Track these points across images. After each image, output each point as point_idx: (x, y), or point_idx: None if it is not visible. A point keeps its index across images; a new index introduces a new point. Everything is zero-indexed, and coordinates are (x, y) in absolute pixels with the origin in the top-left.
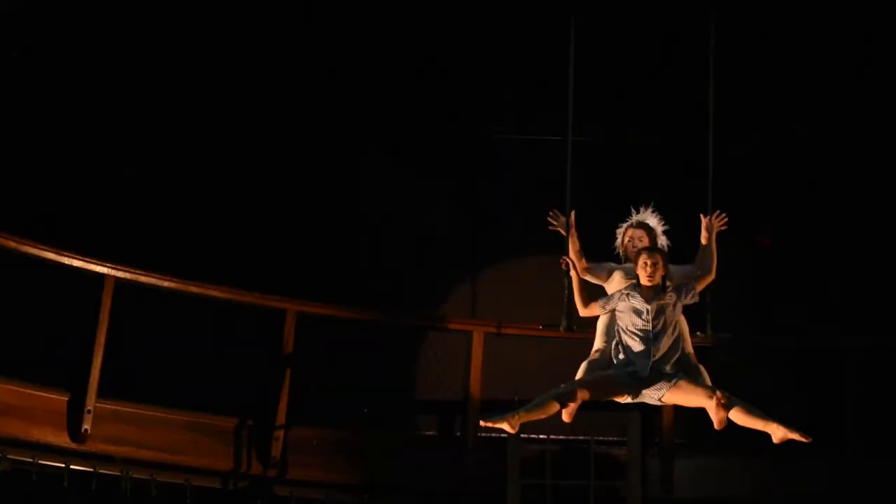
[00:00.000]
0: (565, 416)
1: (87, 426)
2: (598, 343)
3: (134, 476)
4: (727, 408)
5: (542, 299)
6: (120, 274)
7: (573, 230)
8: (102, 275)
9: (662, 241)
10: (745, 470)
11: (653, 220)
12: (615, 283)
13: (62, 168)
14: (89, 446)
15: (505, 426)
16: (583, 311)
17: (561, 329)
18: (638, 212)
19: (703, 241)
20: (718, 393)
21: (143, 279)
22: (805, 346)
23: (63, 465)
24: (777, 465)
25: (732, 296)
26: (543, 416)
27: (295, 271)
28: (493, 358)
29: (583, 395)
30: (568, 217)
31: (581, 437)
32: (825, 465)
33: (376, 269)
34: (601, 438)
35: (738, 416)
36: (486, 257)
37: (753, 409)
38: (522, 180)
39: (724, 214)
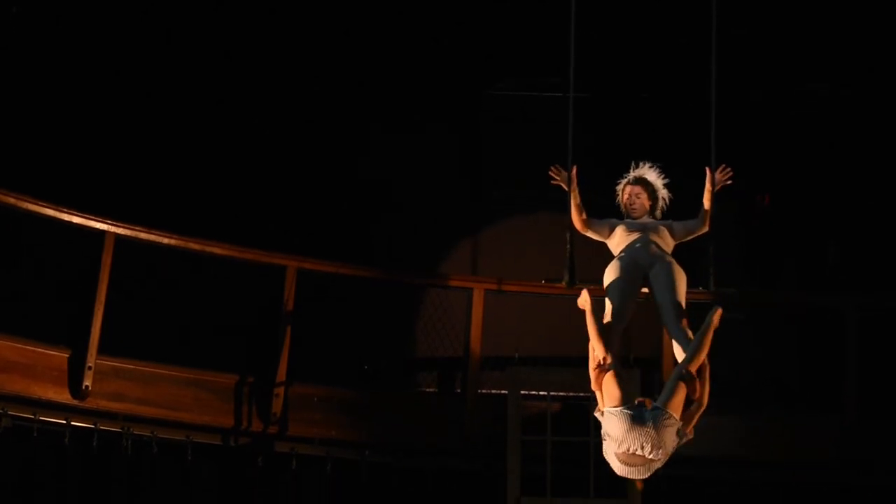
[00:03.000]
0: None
1: (87, 383)
2: (612, 299)
3: (135, 433)
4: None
5: (544, 257)
6: (120, 231)
7: (574, 184)
8: (103, 232)
9: (663, 194)
10: (743, 429)
11: (651, 175)
12: (617, 237)
13: (62, 124)
14: (90, 403)
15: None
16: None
17: (563, 284)
18: (637, 167)
19: (707, 194)
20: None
21: (143, 236)
22: (805, 302)
23: (64, 422)
24: (775, 424)
25: (731, 255)
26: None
27: (296, 229)
28: (493, 315)
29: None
30: (569, 172)
31: (581, 394)
32: (823, 425)
33: (377, 227)
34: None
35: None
36: (487, 215)
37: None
38: (523, 138)
39: (728, 168)
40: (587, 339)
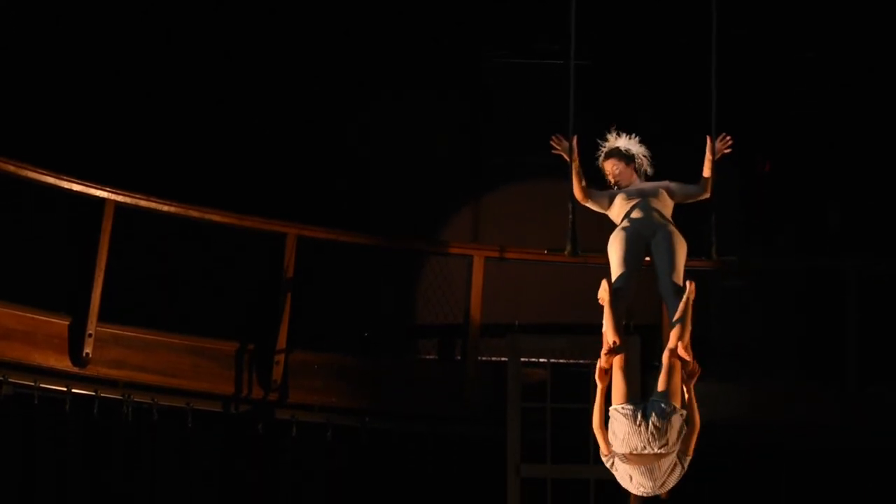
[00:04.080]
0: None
1: (88, 350)
2: (616, 273)
3: (135, 400)
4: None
5: (545, 224)
6: (120, 198)
7: (575, 155)
8: (102, 199)
9: (639, 152)
10: (743, 394)
11: (620, 142)
12: (617, 206)
13: (62, 92)
14: (90, 370)
15: None
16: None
17: (565, 253)
18: (604, 142)
19: (707, 163)
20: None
21: (143, 203)
22: (807, 269)
23: (65, 389)
24: (776, 389)
25: (731, 221)
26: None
27: (296, 196)
28: (493, 282)
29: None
30: (570, 142)
31: (581, 361)
32: (825, 390)
33: (378, 195)
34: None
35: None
36: (488, 183)
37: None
38: (523, 105)
39: (728, 137)
40: (587, 307)
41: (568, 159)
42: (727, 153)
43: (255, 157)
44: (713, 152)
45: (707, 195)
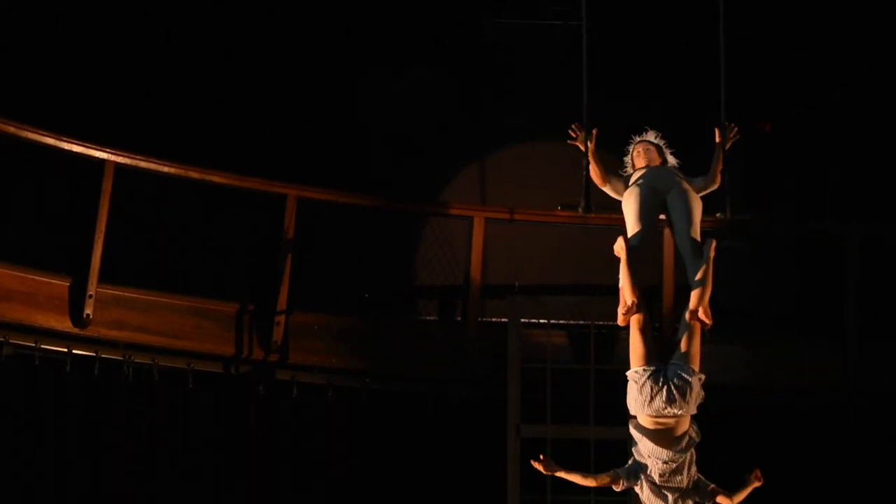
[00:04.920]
0: (622, 321)
1: (88, 311)
2: (633, 229)
3: (136, 361)
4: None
5: (548, 186)
6: (120, 159)
7: (591, 143)
8: (102, 160)
9: (669, 154)
10: (746, 356)
11: (655, 136)
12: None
13: (62, 53)
14: (91, 331)
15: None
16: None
17: (579, 210)
18: (643, 133)
19: (718, 152)
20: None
21: (142, 164)
22: (807, 229)
23: (65, 350)
24: (779, 350)
25: (731, 182)
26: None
27: (297, 158)
28: (494, 244)
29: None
30: (587, 136)
31: (581, 322)
32: (825, 351)
33: (379, 157)
34: (601, 323)
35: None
36: (490, 145)
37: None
38: (525, 67)
39: (734, 126)
40: (587, 268)
41: (583, 150)
42: (736, 140)
43: (256, 119)
44: (724, 142)
45: (716, 185)
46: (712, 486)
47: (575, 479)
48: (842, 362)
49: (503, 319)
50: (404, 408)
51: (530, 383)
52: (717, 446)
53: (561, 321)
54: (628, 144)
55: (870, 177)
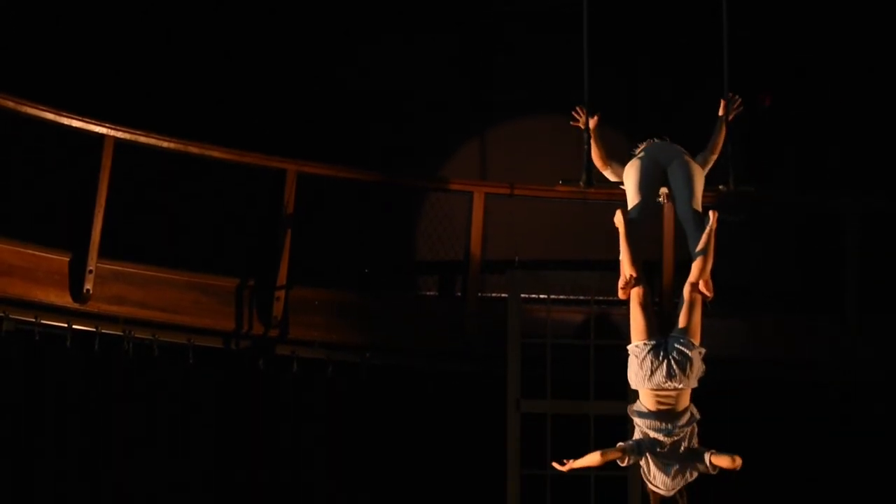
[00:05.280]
0: (622, 295)
1: (88, 286)
2: (633, 201)
3: (136, 336)
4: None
5: (549, 160)
6: (119, 134)
7: (594, 126)
8: (102, 135)
9: None
10: (745, 330)
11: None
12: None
13: (61, 27)
14: (91, 306)
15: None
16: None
17: (580, 184)
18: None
19: (721, 125)
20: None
21: (142, 139)
22: (807, 203)
23: (65, 326)
24: (778, 325)
25: (734, 154)
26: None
27: (296, 133)
28: (495, 219)
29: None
30: (590, 117)
31: (581, 297)
32: (824, 325)
33: (380, 132)
34: (601, 298)
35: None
36: (491, 120)
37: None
38: (528, 40)
39: (738, 98)
40: (587, 243)
41: (585, 135)
42: (739, 111)
43: (255, 93)
44: (727, 114)
45: (715, 156)
46: (709, 452)
47: (588, 462)
48: (841, 337)
49: (503, 295)
50: (404, 383)
51: (530, 358)
52: (716, 421)
53: (561, 296)
54: (629, 121)
55: (871, 150)
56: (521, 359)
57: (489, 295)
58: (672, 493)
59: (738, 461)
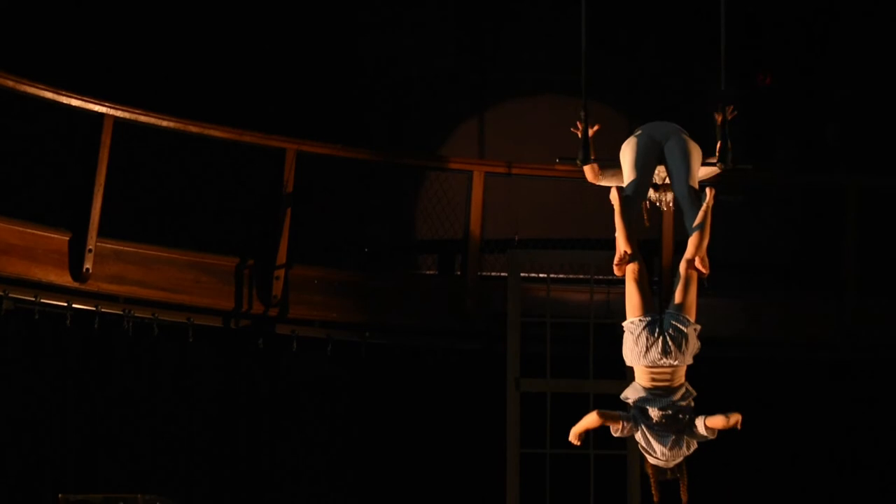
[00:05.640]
0: (618, 272)
1: (88, 265)
2: (629, 178)
3: (136, 315)
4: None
5: (548, 139)
6: (119, 113)
7: (590, 139)
8: (101, 114)
9: None
10: (743, 309)
11: None
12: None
13: (61, 5)
14: (91, 286)
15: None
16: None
17: (577, 163)
18: None
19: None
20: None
21: (142, 119)
22: (806, 181)
23: (65, 305)
24: (775, 304)
25: (731, 135)
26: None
27: (296, 112)
28: (494, 198)
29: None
30: (586, 134)
31: (581, 276)
32: (823, 304)
33: (379, 111)
34: (600, 277)
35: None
36: (491, 99)
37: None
38: (525, 19)
39: (733, 107)
40: (586, 222)
41: (582, 137)
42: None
43: (254, 72)
44: (724, 123)
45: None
46: (702, 417)
47: (587, 424)
48: (839, 316)
49: (503, 274)
50: (403, 362)
51: (530, 337)
52: (713, 400)
53: (560, 275)
54: (630, 102)
55: (869, 129)
56: (521, 338)
57: (489, 274)
58: (671, 464)
59: (734, 418)
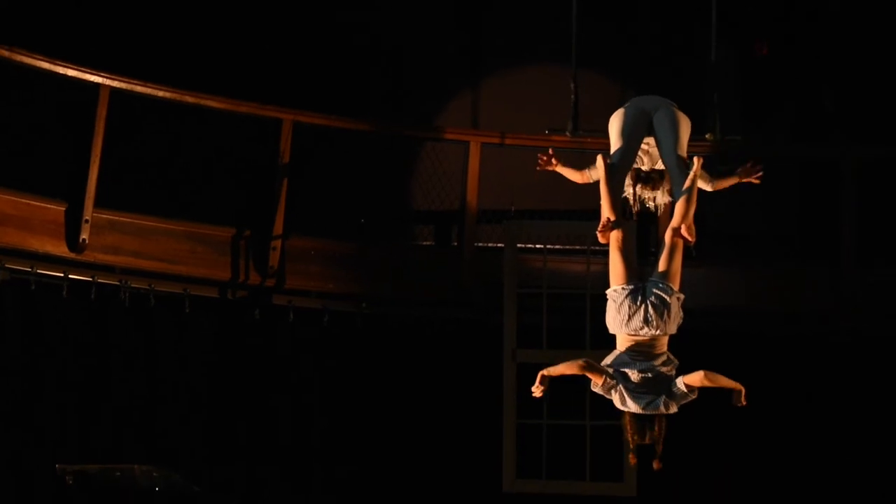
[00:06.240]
0: (602, 238)
1: (84, 236)
2: (616, 146)
3: (132, 286)
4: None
5: (544, 109)
6: (115, 84)
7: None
8: (97, 84)
9: None
10: (740, 280)
11: None
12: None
13: None
14: (87, 256)
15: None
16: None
17: (567, 134)
18: None
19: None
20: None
21: (138, 89)
22: (803, 152)
23: (62, 275)
24: (772, 275)
25: (728, 105)
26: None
27: (292, 82)
28: (491, 169)
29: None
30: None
31: (578, 247)
32: (821, 274)
33: (375, 81)
34: (597, 248)
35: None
36: (487, 69)
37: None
38: None
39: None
40: (583, 193)
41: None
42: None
43: (251, 43)
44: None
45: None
46: (681, 379)
47: (565, 369)
48: (837, 287)
49: (499, 245)
50: (400, 333)
51: (526, 308)
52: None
53: (557, 246)
54: (625, 72)
55: (867, 98)
56: (518, 309)
57: (485, 245)
58: (645, 413)
59: (708, 377)
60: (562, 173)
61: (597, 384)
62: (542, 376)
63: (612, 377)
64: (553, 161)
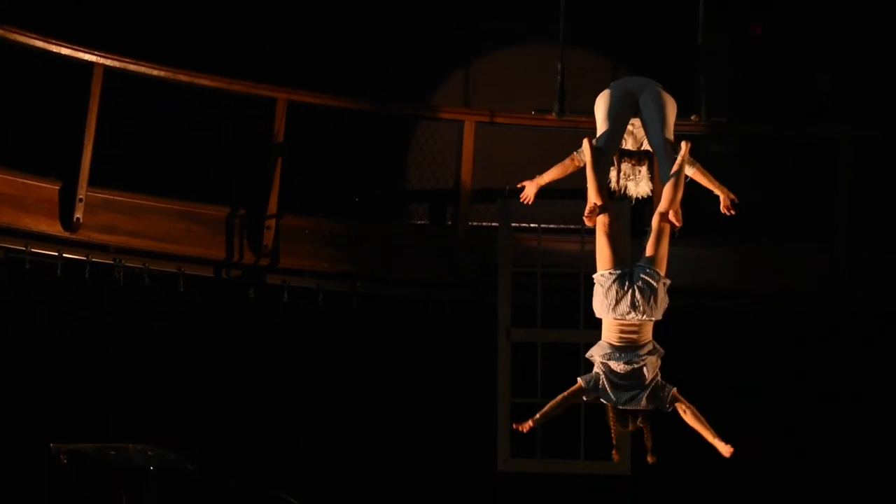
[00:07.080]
0: (588, 222)
1: (78, 215)
2: (602, 129)
3: (126, 265)
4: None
5: (536, 89)
6: (109, 62)
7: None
8: (91, 63)
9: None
10: (735, 259)
11: None
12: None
13: None
14: (81, 235)
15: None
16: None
17: (553, 114)
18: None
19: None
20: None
21: (132, 67)
22: (800, 134)
23: (56, 254)
24: (767, 254)
25: (722, 85)
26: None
27: (286, 60)
28: (485, 148)
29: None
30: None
31: (571, 226)
32: (815, 254)
33: (369, 59)
34: (592, 227)
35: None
36: (479, 48)
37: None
38: None
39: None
40: (578, 172)
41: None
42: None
43: (245, 21)
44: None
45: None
46: (674, 390)
47: (551, 408)
48: (831, 267)
49: (494, 224)
50: (395, 312)
51: (521, 287)
52: (703, 350)
53: (552, 225)
54: (616, 53)
55: (862, 78)
56: (512, 288)
57: (480, 224)
58: (622, 407)
59: (726, 448)
60: (548, 182)
61: (582, 396)
62: (535, 420)
63: (592, 385)
64: (530, 195)
